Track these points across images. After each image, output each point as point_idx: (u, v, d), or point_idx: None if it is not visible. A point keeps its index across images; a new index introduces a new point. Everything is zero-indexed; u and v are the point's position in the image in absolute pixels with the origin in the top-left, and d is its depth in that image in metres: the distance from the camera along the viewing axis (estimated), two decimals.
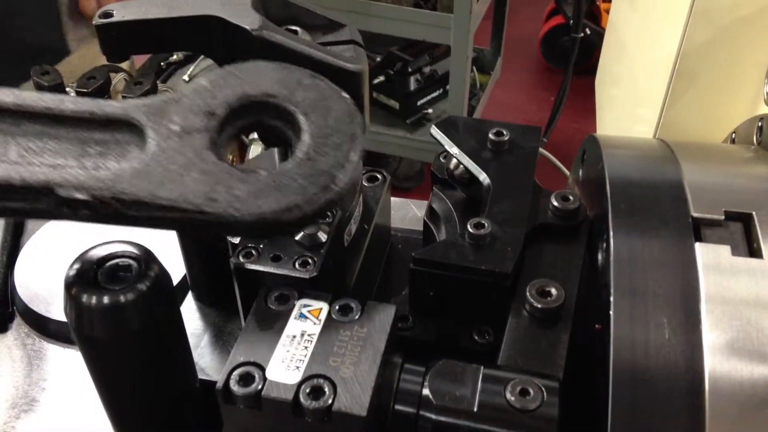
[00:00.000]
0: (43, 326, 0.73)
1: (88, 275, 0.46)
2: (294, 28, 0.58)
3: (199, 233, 0.45)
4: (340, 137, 0.42)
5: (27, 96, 0.42)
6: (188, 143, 0.41)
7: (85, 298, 0.45)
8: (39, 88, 0.88)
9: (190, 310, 0.68)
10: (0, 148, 0.40)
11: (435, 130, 0.63)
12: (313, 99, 0.43)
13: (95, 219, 0.41)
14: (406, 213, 0.87)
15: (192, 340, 0.56)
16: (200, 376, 0.58)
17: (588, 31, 2.69)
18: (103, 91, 0.87)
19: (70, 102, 0.42)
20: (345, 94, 0.45)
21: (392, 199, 0.79)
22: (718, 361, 0.44)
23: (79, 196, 0.39)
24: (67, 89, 0.91)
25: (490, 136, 0.61)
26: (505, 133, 0.62)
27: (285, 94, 0.43)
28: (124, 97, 0.87)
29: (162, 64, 2.77)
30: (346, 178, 0.41)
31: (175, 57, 2.80)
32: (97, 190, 0.39)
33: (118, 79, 0.93)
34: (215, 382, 0.43)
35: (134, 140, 0.42)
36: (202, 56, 2.72)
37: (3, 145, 0.40)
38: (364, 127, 0.45)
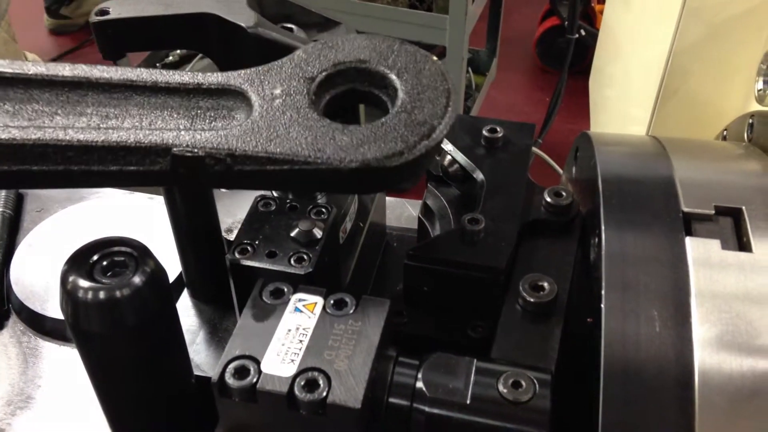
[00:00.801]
0: (38, 324, 0.73)
1: (84, 270, 0.46)
2: (289, 25, 0.59)
3: (307, 187, 0.48)
4: (435, 92, 0.44)
5: (134, 72, 0.45)
6: (290, 104, 0.44)
7: (81, 293, 0.45)
8: None
9: (185, 307, 0.68)
10: (113, 120, 0.43)
11: None
12: (404, 61, 0.46)
13: (209, 178, 0.43)
14: (402, 212, 0.87)
15: (188, 337, 0.56)
16: (196, 372, 0.58)
17: (583, 33, 2.70)
18: None
19: (177, 75, 0.45)
20: (435, 58, 0.47)
21: (387, 198, 0.79)
22: (708, 354, 0.44)
23: (194, 153, 0.42)
24: None
25: (484, 133, 0.62)
26: (498, 130, 0.62)
27: (376, 59, 0.46)
28: None
29: (158, 65, 2.77)
30: (445, 128, 0.43)
31: (171, 58, 2.80)
32: (210, 147, 0.41)
33: None
34: (210, 378, 0.44)
35: (239, 105, 0.45)
36: (198, 57, 2.72)
37: (115, 116, 0.43)
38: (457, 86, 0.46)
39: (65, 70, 0.45)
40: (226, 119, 0.44)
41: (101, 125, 0.43)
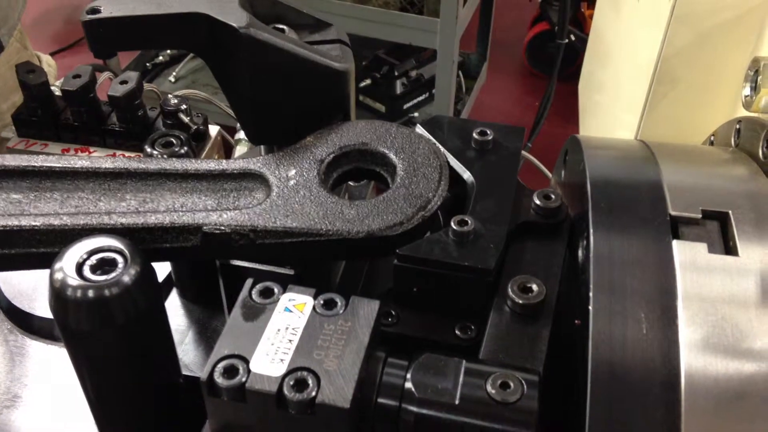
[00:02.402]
0: (26, 323, 0.72)
1: (73, 269, 0.46)
2: (281, 26, 0.59)
3: (319, 255, 0.52)
4: (429, 169, 0.51)
5: (168, 161, 0.52)
6: (303, 183, 0.50)
7: (70, 291, 0.45)
8: (25, 87, 0.87)
9: (174, 307, 0.68)
10: (150, 204, 0.49)
11: (420, 129, 0.63)
12: (401, 142, 0.53)
13: (234, 251, 0.49)
14: None
15: (176, 337, 0.56)
16: (184, 371, 0.58)
17: (573, 38, 2.72)
18: (88, 90, 0.87)
19: (204, 163, 0.52)
20: (429, 137, 0.54)
21: None
22: (694, 357, 0.45)
23: (222, 230, 0.48)
24: (52, 87, 0.91)
25: (475, 135, 0.62)
26: (489, 132, 0.62)
27: (376, 141, 0.53)
28: (109, 96, 0.87)
29: (147, 64, 2.76)
30: (439, 200, 0.50)
31: (161, 58, 2.79)
32: (236, 225, 0.48)
33: (103, 78, 0.93)
34: (199, 378, 0.44)
35: (259, 186, 0.51)
36: (188, 57, 2.72)
37: (152, 200, 0.50)
38: (448, 164, 0.54)
39: (107, 162, 0.51)
40: (247, 198, 0.50)
41: (140, 209, 0.49)
